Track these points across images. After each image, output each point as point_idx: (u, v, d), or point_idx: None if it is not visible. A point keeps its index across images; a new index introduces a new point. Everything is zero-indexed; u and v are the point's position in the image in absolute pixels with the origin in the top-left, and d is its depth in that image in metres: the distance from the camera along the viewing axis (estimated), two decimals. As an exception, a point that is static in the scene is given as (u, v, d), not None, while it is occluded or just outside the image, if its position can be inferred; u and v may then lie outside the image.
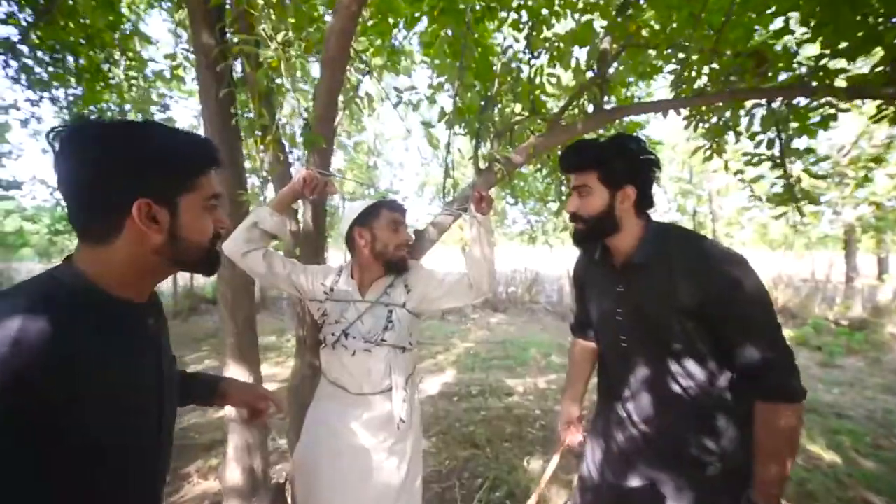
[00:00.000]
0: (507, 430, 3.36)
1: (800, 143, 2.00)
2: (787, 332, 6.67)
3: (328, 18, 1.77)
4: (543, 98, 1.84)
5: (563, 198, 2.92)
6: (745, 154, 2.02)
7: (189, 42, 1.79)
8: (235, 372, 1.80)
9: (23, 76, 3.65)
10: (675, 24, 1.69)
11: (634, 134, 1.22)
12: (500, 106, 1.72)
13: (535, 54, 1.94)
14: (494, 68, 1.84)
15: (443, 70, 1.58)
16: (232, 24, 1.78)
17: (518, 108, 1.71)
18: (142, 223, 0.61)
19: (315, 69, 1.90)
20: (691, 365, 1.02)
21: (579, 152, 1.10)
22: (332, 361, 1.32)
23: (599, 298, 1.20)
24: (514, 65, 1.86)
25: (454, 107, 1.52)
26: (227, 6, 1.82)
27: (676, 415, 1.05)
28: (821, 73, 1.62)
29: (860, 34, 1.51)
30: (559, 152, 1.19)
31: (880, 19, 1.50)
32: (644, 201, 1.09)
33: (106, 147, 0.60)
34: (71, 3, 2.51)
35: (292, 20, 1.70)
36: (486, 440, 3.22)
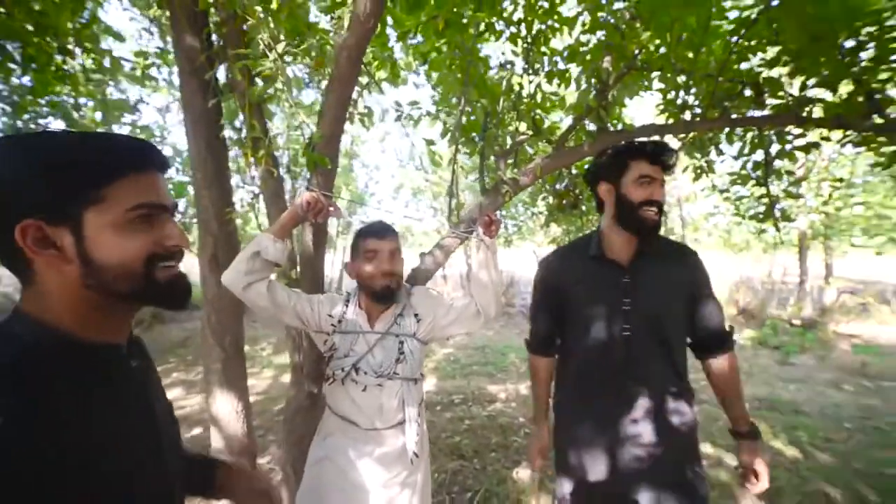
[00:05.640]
0: (493, 440, 3.36)
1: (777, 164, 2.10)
2: (749, 333, 7.10)
3: (324, 25, 1.68)
4: (544, 116, 1.82)
5: (548, 204, 2.93)
6: (730, 174, 2.10)
7: (173, 45, 1.64)
8: (222, 401, 1.68)
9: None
10: (671, 49, 1.72)
11: None
12: (502, 124, 1.70)
13: (534, 70, 1.93)
14: (493, 82, 1.81)
15: (446, 85, 1.53)
16: (219, 28, 1.65)
17: (522, 126, 1.69)
18: (30, 250, 0.50)
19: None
20: (678, 355, 1.23)
21: (673, 153, 1.21)
22: (341, 397, 1.25)
23: (598, 293, 1.24)
24: (513, 78, 1.84)
25: (458, 124, 1.48)
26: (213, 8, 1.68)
27: (676, 412, 1.21)
28: (804, 102, 1.70)
29: (833, 68, 1.61)
30: (645, 143, 1.24)
31: (849, 57, 1.61)
32: None
33: None
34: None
35: (286, 25, 1.60)
36: (472, 451, 3.20)
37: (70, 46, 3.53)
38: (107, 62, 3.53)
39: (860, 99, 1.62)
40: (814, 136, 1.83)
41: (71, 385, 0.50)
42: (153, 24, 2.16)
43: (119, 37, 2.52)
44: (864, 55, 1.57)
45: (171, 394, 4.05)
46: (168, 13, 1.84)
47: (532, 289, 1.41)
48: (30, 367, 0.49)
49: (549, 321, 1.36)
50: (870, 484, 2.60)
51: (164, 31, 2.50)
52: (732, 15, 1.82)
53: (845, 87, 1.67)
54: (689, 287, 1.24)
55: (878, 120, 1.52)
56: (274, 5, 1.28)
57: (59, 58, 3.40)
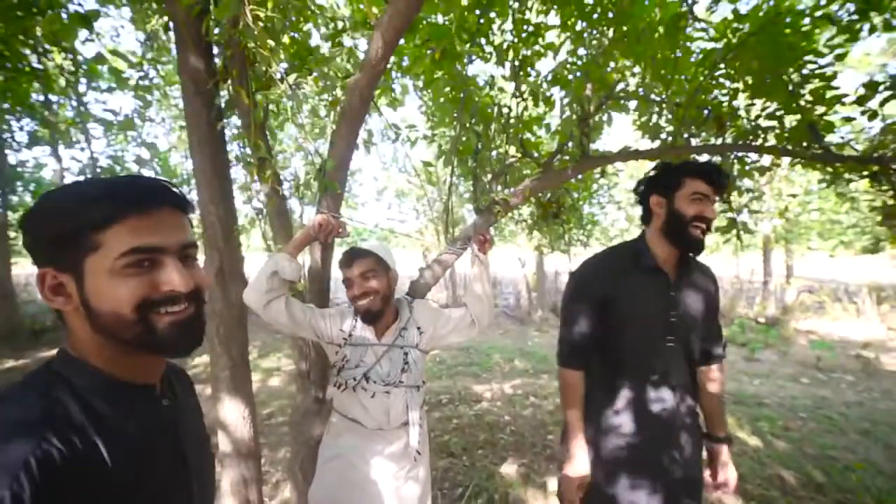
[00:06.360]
0: (481, 438, 3.50)
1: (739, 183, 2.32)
2: (717, 331, 7.52)
3: (325, 51, 1.79)
4: (531, 139, 1.98)
5: (533, 213, 3.10)
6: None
7: (178, 65, 1.71)
8: (230, 407, 1.76)
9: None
10: (647, 78, 1.91)
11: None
12: (495, 148, 1.85)
13: (521, 93, 2.08)
14: (482, 100, 1.95)
15: (442, 111, 1.66)
16: (223, 48, 1.73)
17: (512, 149, 1.85)
18: (47, 297, 0.54)
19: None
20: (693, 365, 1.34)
21: (727, 177, 1.26)
22: (351, 402, 1.36)
23: (646, 302, 1.26)
24: (502, 101, 1.99)
25: (454, 147, 1.62)
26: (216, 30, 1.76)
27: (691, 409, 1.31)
28: (758, 130, 1.93)
29: (781, 101, 1.85)
30: (702, 163, 1.26)
31: (795, 88, 1.85)
32: None
33: (21, 226, 0.57)
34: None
35: (289, 51, 1.69)
36: (461, 448, 3.33)
37: (46, 46, 3.46)
38: (103, 67, 3.49)
39: (804, 128, 1.85)
40: (766, 159, 2.07)
41: (103, 422, 0.53)
42: (149, 37, 2.19)
43: (124, 56, 2.53)
44: (805, 89, 1.80)
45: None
46: (168, 27, 1.89)
47: (566, 297, 1.37)
48: (64, 404, 0.51)
49: (587, 329, 1.30)
50: (818, 466, 2.90)
51: (160, 46, 2.53)
52: (699, 45, 2.03)
53: (791, 118, 1.90)
54: (712, 304, 1.32)
55: (816, 148, 1.75)
56: (286, 39, 1.37)
57: (27, 53, 3.31)
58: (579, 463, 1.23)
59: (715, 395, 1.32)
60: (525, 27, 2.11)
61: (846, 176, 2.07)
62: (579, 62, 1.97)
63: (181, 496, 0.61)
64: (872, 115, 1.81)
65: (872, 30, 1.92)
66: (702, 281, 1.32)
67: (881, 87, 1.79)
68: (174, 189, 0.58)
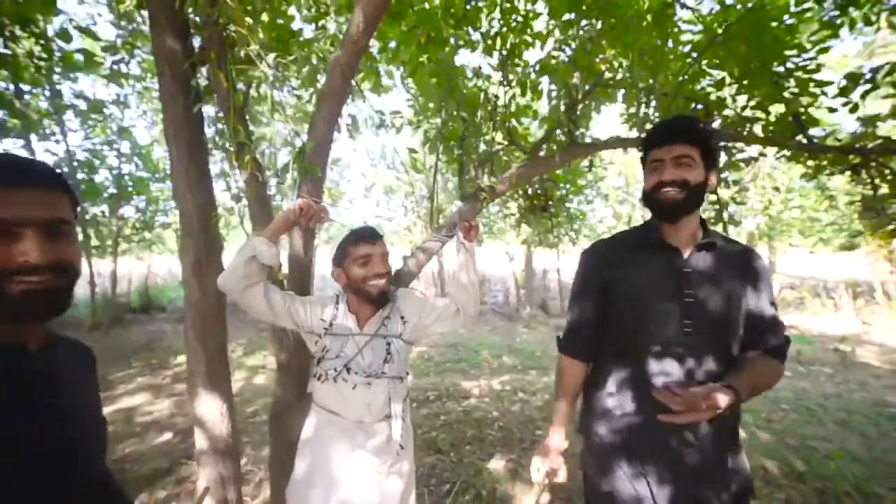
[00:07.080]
0: (468, 434, 3.48)
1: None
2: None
3: (308, 35, 1.73)
4: (518, 127, 1.96)
5: (520, 206, 3.08)
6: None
7: (152, 47, 1.64)
8: (207, 403, 1.69)
9: None
10: (634, 64, 1.90)
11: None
12: (481, 136, 1.82)
13: (508, 82, 2.06)
14: (469, 91, 1.93)
15: (427, 97, 1.62)
16: (200, 31, 1.66)
17: (498, 136, 1.82)
18: None
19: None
20: (735, 353, 1.10)
21: (687, 124, 1.10)
22: (331, 394, 1.31)
23: (653, 281, 1.11)
24: (489, 90, 1.96)
25: (439, 134, 1.58)
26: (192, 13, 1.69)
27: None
28: (744, 121, 1.94)
29: (766, 92, 1.86)
30: (656, 125, 1.16)
31: (780, 81, 1.87)
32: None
33: None
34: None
35: (270, 33, 1.64)
36: (449, 445, 3.31)
37: (16, 31, 3.30)
38: (79, 56, 3.33)
39: (789, 119, 1.87)
40: (753, 150, 2.09)
41: None
42: (123, 19, 2.09)
43: (93, 34, 2.42)
44: (790, 81, 1.82)
45: (136, 400, 3.88)
46: (142, 5, 1.81)
47: (573, 280, 1.29)
48: None
49: (588, 312, 1.20)
50: (799, 456, 2.96)
51: (138, 32, 2.42)
52: (687, 37, 2.03)
53: (776, 109, 1.92)
54: (750, 287, 1.11)
55: (801, 139, 1.77)
56: (265, 17, 1.32)
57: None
58: (555, 442, 1.18)
59: (755, 366, 1.07)
60: (513, 16, 2.09)
61: (827, 170, 2.10)
62: (567, 51, 1.95)
63: (58, 445, 0.63)
64: (854, 108, 1.83)
65: (852, 24, 1.95)
66: (731, 259, 1.12)
67: (861, 80, 1.82)
68: (43, 167, 0.62)
